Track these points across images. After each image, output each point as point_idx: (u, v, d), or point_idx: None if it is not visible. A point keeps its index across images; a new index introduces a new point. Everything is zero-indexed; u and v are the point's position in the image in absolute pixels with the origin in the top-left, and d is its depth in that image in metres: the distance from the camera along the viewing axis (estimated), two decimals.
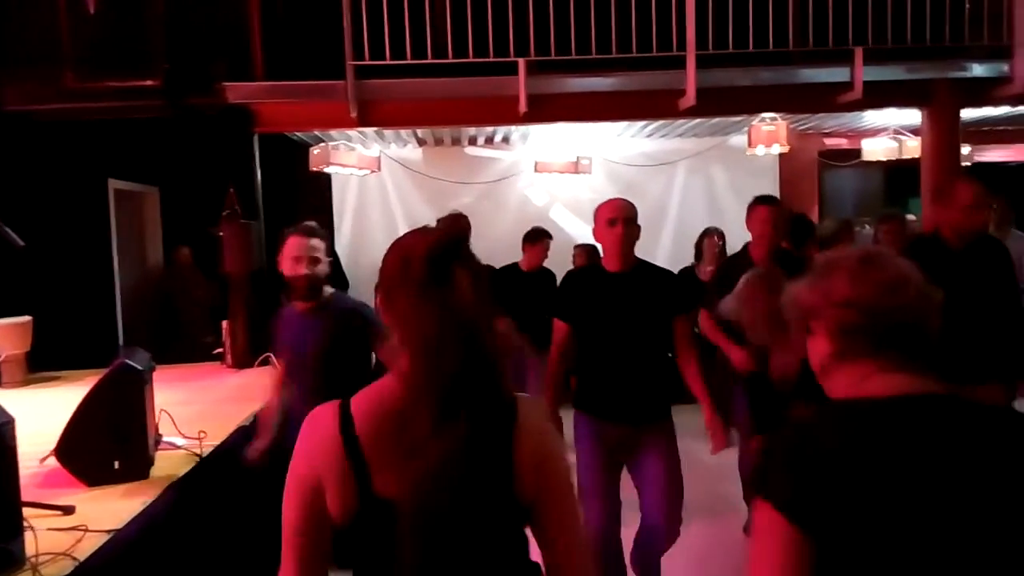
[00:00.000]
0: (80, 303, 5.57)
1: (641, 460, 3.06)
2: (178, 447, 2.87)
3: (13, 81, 4.99)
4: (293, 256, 3.05)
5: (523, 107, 5.33)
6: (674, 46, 5.32)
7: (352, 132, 6.61)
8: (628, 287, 3.05)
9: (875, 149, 7.60)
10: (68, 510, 2.23)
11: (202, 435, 2.89)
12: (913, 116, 6.18)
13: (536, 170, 7.73)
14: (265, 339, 3.46)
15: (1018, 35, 5.27)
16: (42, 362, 4.43)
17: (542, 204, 8.18)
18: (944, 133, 5.65)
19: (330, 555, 1.36)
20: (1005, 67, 5.39)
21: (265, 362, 3.75)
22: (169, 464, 2.69)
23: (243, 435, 3.16)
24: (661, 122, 6.96)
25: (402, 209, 7.90)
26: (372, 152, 7.31)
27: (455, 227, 4.89)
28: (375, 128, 6.25)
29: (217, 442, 2.95)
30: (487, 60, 5.30)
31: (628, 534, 3.17)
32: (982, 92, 5.56)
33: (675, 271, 5.71)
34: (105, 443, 2.50)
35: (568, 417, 3.12)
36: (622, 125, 7.13)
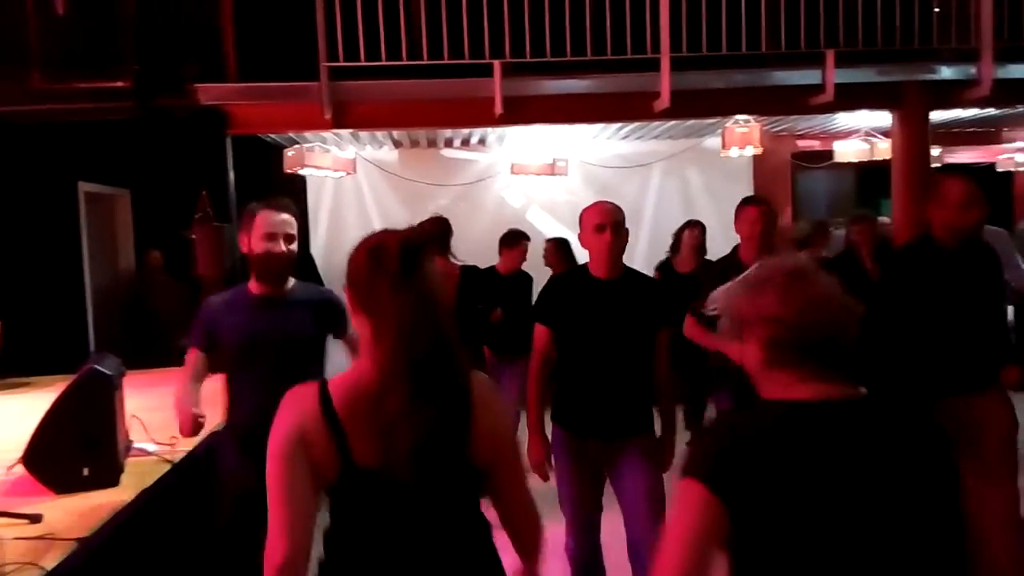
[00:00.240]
0: (50, 307, 5.49)
1: (622, 473, 2.95)
2: (149, 453, 2.83)
3: None
4: (266, 232, 2.67)
5: (498, 109, 5.33)
6: (648, 48, 5.35)
7: (327, 134, 6.57)
8: (616, 295, 2.92)
9: (847, 151, 7.68)
10: (35, 518, 2.19)
11: (174, 441, 2.86)
12: (884, 118, 6.26)
13: (512, 172, 7.73)
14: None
15: (985, 38, 5.35)
16: (11, 367, 4.36)
17: (519, 206, 8.18)
18: (914, 135, 5.73)
19: (315, 522, 1.50)
20: (973, 70, 5.47)
21: None
22: (140, 471, 2.65)
23: (216, 441, 3.12)
24: (636, 124, 6.99)
25: (378, 211, 7.86)
26: (347, 154, 7.27)
27: (439, 228, 4.88)
28: (350, 130, 6.22)
29: (189, 448, 2.91)
30: (462, 62, 5.29)
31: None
32: (951, 94, 5.65)
33: (652, 268, 5.81)
34: (73, 450, 2.46)
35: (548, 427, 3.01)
36: (598, 127, 7.15)
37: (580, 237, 3.03)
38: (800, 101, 5.60)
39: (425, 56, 5.28)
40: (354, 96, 5.38)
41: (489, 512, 1.64)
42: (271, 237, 2.68)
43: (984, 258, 3.19)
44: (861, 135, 7.60)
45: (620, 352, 2.90)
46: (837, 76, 5.37)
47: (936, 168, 6.87)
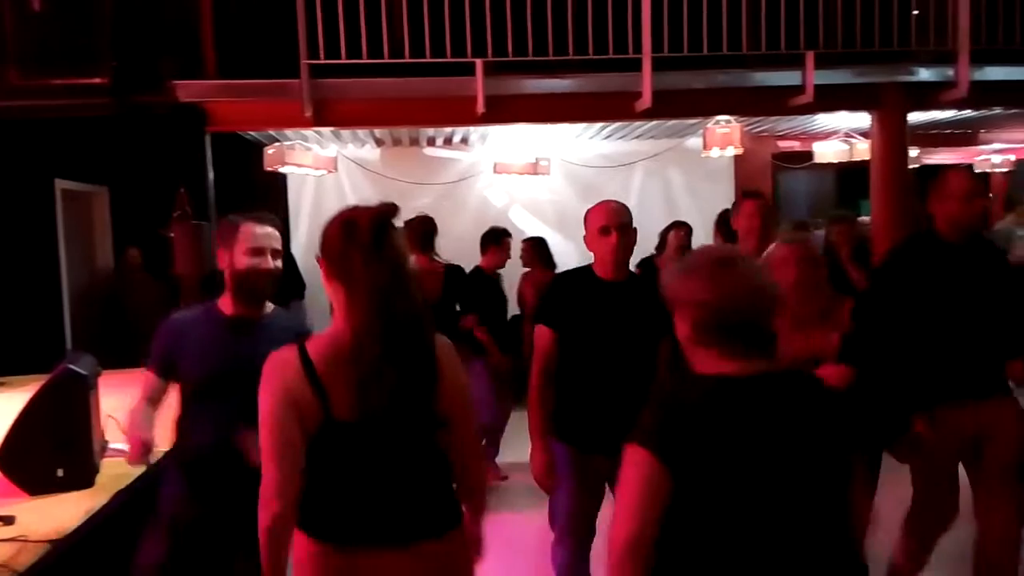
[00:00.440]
0: (26, 306, 5.42)
1: None
2: (125, 453, 2.79)
3: None
4: (252, 247, 2.38)
5: (481, 108, 5.32)
6: (630, 49, 5.36)
7: (308, 132, 6.53)
8: (623, 298, 2.76)
9: (826, 151, 7.75)
10: (8, 520, 2.16)
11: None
12: (863, 119, 6.31)
13: (495, 171, 7.72)
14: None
15: (962, 41, 5.41)
16: None
17: (501, 205, 8.17)
18: (892, 136, 5.78)
19: (303, 468, 1.68)
20: (950, 72, 5.53)
21: None
22: (116, 472, 2.61)
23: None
24: (618, 124, 7.00)
25: None
26: (328, 152, 7.23)
27: (425, 227, 4.86)
28: (331, 128, 6.19)
29: (166, 449, 2.87)
30: (444, 60, 5.28)
31: None
32: (929, 96, 5.71)
33: (633, 266, 5.81)
34: (47, 450, 2.43)
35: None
36: (580, 127, 7.16)
37: (585, 238, 2.86)
38: (780, 102, 5.64)
39: (407, 54, 5.27)
40: (335, 94, 5.36)
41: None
42: (257, 252, 2.38)
43: (991, 254, 3.04)
44: (841, 136, 7.67)
45: (628, 359, 2.73)
46: (817, 77, 5.40)
47: (913, 169, 6.94)
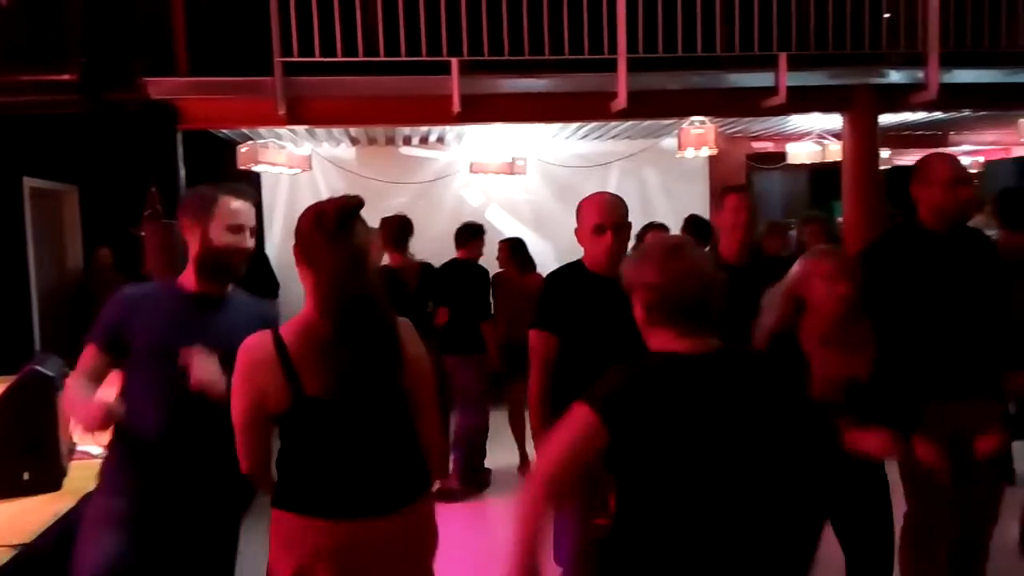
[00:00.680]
0: None
1: None
2: (94, 456, 2.75)
3: None
4: (232, 224, 2.22)
5: (456, 107, 5.31)
6: (605, 49, 5.37)
7: (282, 130, 6.48)
8: (620, 293, 2.56)
9: (799, 152, 7.83)
10: None
11: None
12: (835, 121, 6.38)
13: (471, 171, 7.71)
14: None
15: (932, 44, 5.49)
16: None
17: (478, 205, 8.17)
18: (864, 137, 5.85)
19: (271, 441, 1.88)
20: (920, 74, 5.61)
21: None
22: (84, 474, 2.56)
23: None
24: (594, 124, 7.02)
25: None
26: (303, 151, 7.18)
27: (400, 226, 4.84)
28: (306, 126, 6.14)
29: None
30: (420, 59, 5.26)
31: None
32: (899, 98, 5.78)
33: None
34: (13, 453, 2.40)
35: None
36: (556, 126, 7.17)
37: (577, 232, 2.72)
38: (754, 103, 5.68)
39: (382, 52, 5.24)
40: (309, 92, 5.31)
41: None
42: (237, 229, 2.22)
43: (979, 245, 2.87)
44: (813, 137, 7.75)
45: (630, 354, 2.56)
46: (789, 79, 5.45)
47: (885, 170, 7.03)
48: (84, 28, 4.92)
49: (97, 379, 2.19)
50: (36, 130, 5.49)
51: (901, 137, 8.07)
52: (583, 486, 1.93)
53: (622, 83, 5.33)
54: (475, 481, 5.09)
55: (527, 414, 2.81)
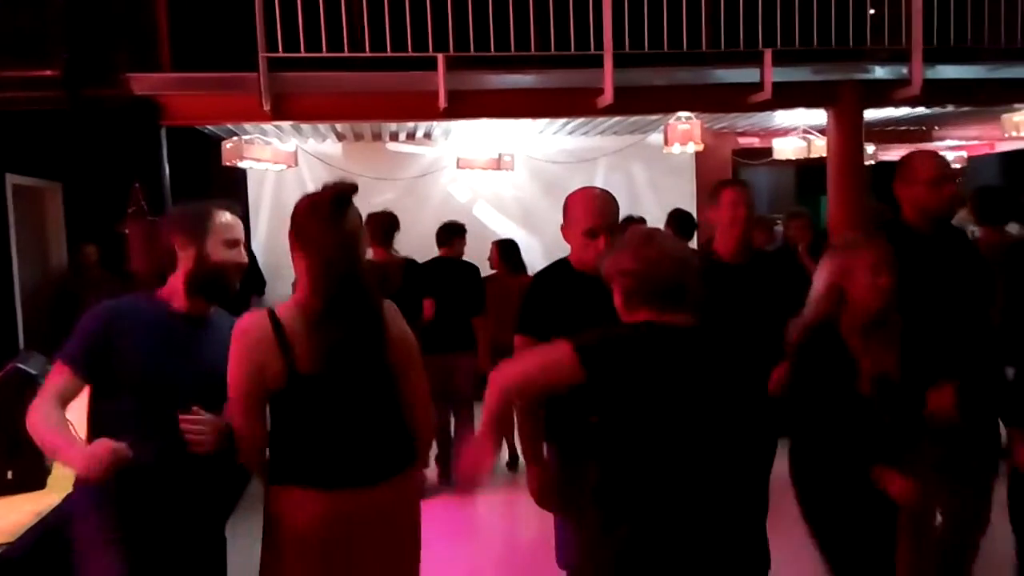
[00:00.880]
0: None
1: None
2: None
3: None
4: (228, 239, 2.17)
5: (443, 103, 5.30)
6: (592, 45, 5.38)
7: (267, 126, 6.45)
8: (607, 293, 2.47)
9: (785, 148, 7.86)
10: None
11: None
12: (820, 116, 6.42)
13: (458, 166, 7.71)
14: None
15: (916, 39, 5.52)
16: None
17: (465, 200, 8.17)
18: (849, 133, 5.88)
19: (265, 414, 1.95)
20: (904, 70, 5.64)
21: None
22: (68, 473, 2.50)
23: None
24: (581, 120, 7.03)
25: None
26: (288, 147, 7.15)
27: (386, 222, 4.82)
28: (291, 122, 6.12)
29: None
30: (405, 55, 5.24)
31: None
32: (883, 94, 5.81)
33: None
34: None
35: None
36: (543, 122, 7.17)
37: (564, 231, 2.58)
38: (739, 99, 5.70)
39: (367, 48, 5.22)
40: (294, 88, 5.29)
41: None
42: (233, 244, 2.17)
43: (961, 243, 2.84)
44: (799, 133, 7.78)
45: None
46: (775, 75, 5.47)
47: (870, 165, 7.07)
48: (66, 23, 4.88)
49: (65, 402, 2.04)
50: (19, 126, 5.44)
51: (886, 133, 8.11)
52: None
53: (608, 79, 5.34)
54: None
55: (515, 413, 2.76)
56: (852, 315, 2.37)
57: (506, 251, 5.62)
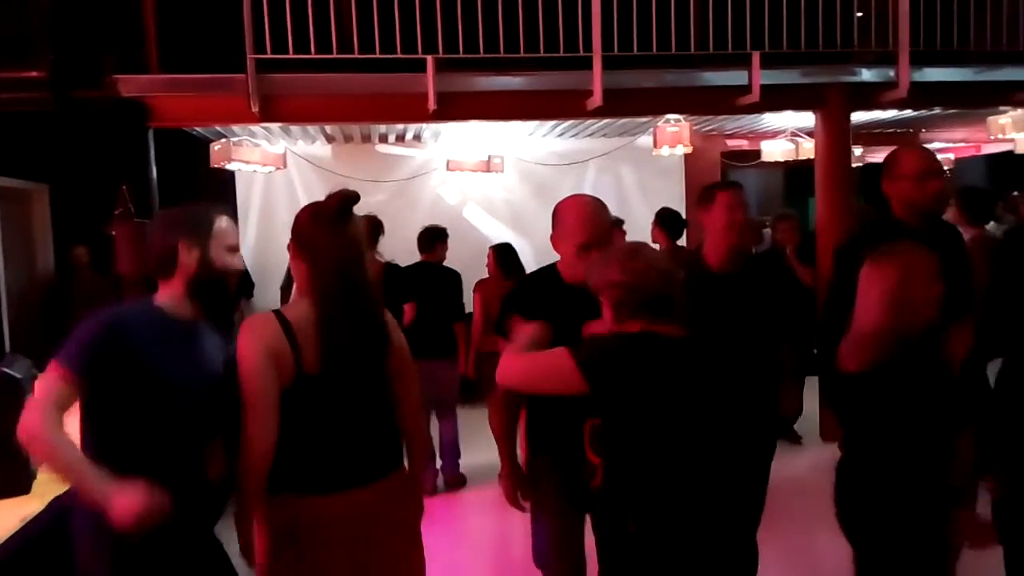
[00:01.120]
0: None
1: None
2: None
3: None
4: (229, 244, 2.13)
5: (432, 105, 5.29)
6: (580, 47, 5.38)
7: (256, 128, 6.42)
8: (593, 301, 2.33)
9: (773, 150, 7.89)
10: None
11: None
12: (808, 119, 6.44)
13: (448, 168, 7.71)
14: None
15: (902, 42, 5.55)
16: None
17: (455, 203, 8.16)
18: (836, 135, 5.91)
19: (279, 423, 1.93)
20: (891, 72, 5.67)
21: None
22: (54, 477, 2.54)
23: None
24: (571, 122, 7.04)
25: None
26: (277, 149, 7.13)
27: (369, 226, 4.82)
28: (279, 124, 6.10)
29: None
30: (394, 56, 5.24)
31: None
32: (871, 96, 5.84)
33: None
34: None
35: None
36: (533, 124, 7.18)
37: (555, 241, 2.49)
38: (728, 101, 5.72)
39: (356, 49, 5.21)
40: (282, 89, 5.27)
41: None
42: (233, 249, 2.14)
43: (950, 238, 2.80)
44: (787, 135, 7.82)
45: None
46: (763, 77, 5.49)
47: (857, 167, 7.11)
48: (53, 24, 4.84)
49: (62, 411, 1.91)
50: (5, 128, 5.40)
51: (873, 135, 8.16)
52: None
53: (597, 81, 5.35)
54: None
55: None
56: (908, 325, 2.21)
57: (502, 255, 5.61)
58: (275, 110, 5.31)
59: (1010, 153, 8.00)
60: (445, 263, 5.40)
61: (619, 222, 5.83)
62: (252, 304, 6.67)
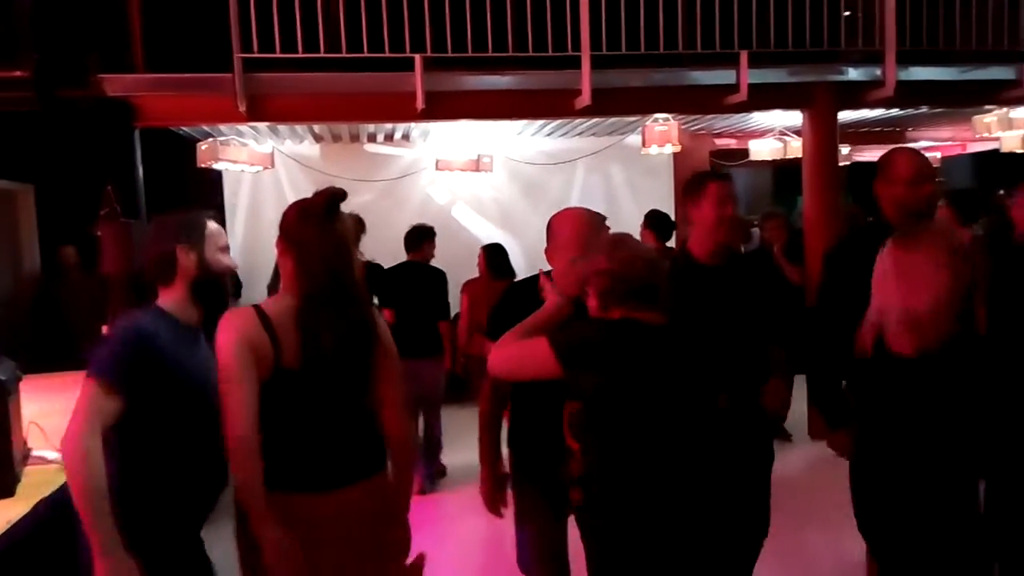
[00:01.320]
0: None
1: None
2: (49, 461, 2.70)
3: None
4: (222, 244, 2.22)
5: (420, 104, 5.28)
6: (569, 46, 5.38)
7: (243, 127, 6.40)
8: (579, 310, 2.33)
9: (761, 149, 7.92)
10: None
11: None
12: (796, 118, 6.47)
13: (437, 168, 7.69)
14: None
15: (889, 41, 5.58)
16: None
17: (444, 202, 8.15)
18: (823, 134, 5.93)
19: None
20: (878, 71, 5.70)
21: None
22: (39, 480, 2.52)
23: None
24: (560, 121, 7.04)
25: None
26: (264, 148, 7.10)
27: (354, 225, 4.79)
28: (267, 123, 6.07)
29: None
30: (382, 56, 5.22)
31: None
32: (857, 95, 5.87)
33: None
34: None
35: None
36: (522, 124, 7.17)
37: (549, 253, 2.47)
38: (716, 100, 5.73)
39: (344, 48, 5.19)
40: (270, 88, 5.25)
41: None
42: (226, 250, 2.22)
43: None
44: (775, 134, 7.84)
45: None
46: (751, 76, 5.51)
47: (844, 166, 7.14)
48: (37, 23, 4.80)
49: (106, 425, 1.93)
50: None
51: (860, 134, 8.20)
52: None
53: (586, 80, 5.35)
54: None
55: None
56: (964, 301, 2.07)
57: (491, 255, 5.60)
58: (262, 109, 5.29)
59: (996, 152, 8.05)
60: (434, 262, 5.39)
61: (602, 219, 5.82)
62: (240, 304, 6.63)
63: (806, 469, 5.01)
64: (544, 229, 2.54)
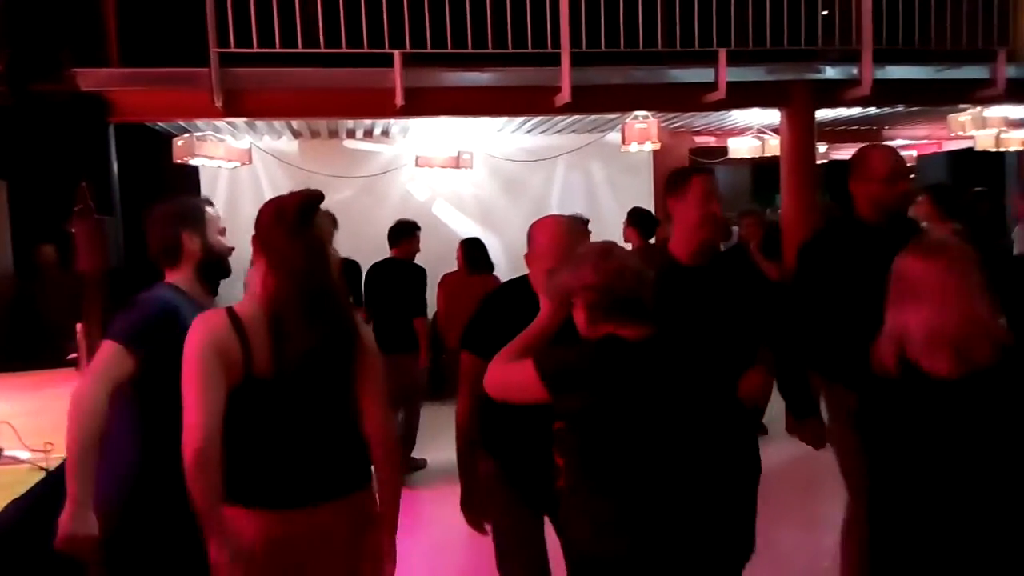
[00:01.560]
0: None
1: None
2: (21, 461, 2.66)
3: None
4: (220, 227, 2.37)
5: (399, 100, 5.26)
6: (548, 43, 5.38)
7: (220, 123, 6.33)
8: (569, 323, 2.19)
9: (740, 147, 7.96)
10: None
11: (49, 447, 2.68)
12: (774, 116, 6.51)
13: (417, 164, 7.65)
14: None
15: (865, 41, 5.63)
16: None
17: (424, 199, 8.12)
18: (801, 132, 5.98)
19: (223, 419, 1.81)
20: (855, 70, 5.75)
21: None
22: (10, 480, 2.49)
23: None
24: (540, 118, 7.04)
25: None
26: (242, 144, 7.03)
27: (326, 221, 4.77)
28: (244, 119, 6.02)
29: (66, 454, 2.74)
30: (361, 51, 5.19)
31: None
32: (835, 94, 5.92)
33: None
34: None
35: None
36: (502, 120, 7.17)
37: (528, 260, 2.43)
38: (695, 98, 5.76)
39: (322, 44, 5.15)
40: (247, 84, 5.20)
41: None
42: (224, 232, 2.36)
43: (914, 234, 2.65)
44: (754, 132, 7.89)
45: None
46: (729, 75, 5.54)
47: (822, 164, 7.20)
48: (9, 17, 4.73)
49: (117, 383, 2.02)
50: None
51: (837, 132, 8.27)
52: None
53: (566, 77, 5.35)
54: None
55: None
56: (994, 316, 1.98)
57: (469, 249, 5.60)
58: (239, 105, 5.25)
59: (970, 150, 8.15)
60: (416, 259, 5.38)
61: (583, 221, 5.85)
62: (216, 301, 6.58)
63: (783, 464, 5.04)
64: (524, 226, 2.51)
